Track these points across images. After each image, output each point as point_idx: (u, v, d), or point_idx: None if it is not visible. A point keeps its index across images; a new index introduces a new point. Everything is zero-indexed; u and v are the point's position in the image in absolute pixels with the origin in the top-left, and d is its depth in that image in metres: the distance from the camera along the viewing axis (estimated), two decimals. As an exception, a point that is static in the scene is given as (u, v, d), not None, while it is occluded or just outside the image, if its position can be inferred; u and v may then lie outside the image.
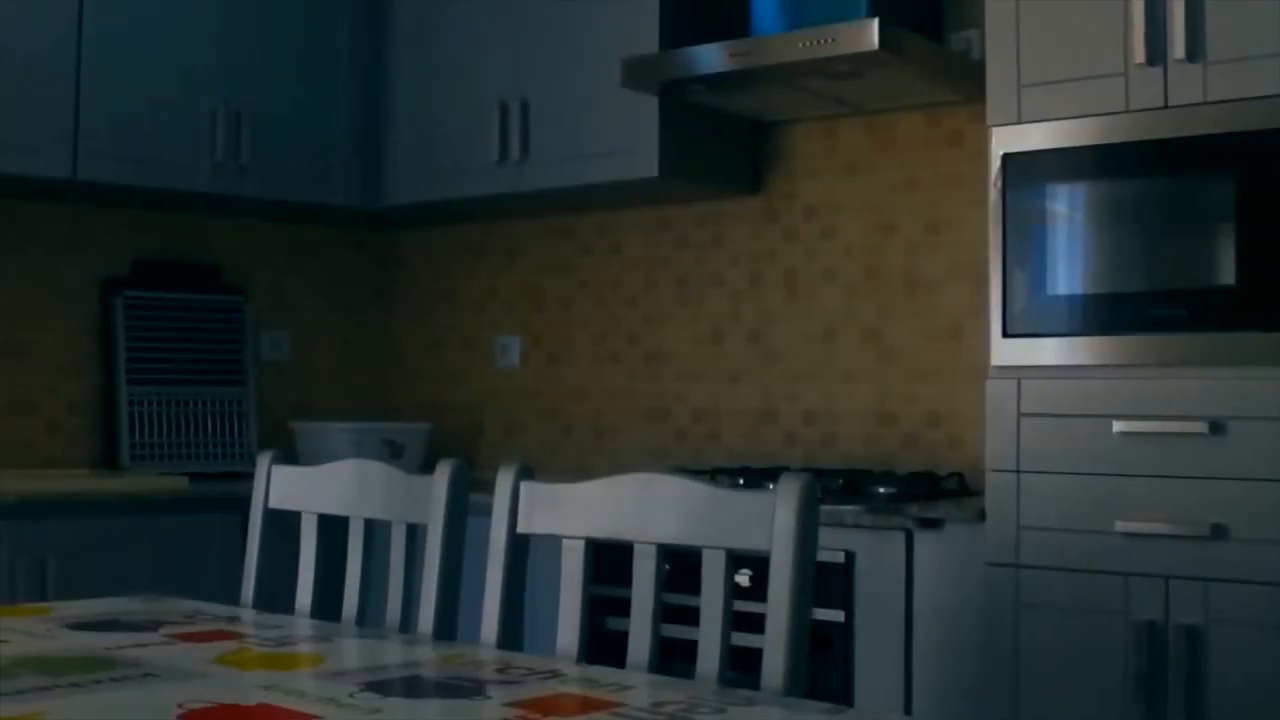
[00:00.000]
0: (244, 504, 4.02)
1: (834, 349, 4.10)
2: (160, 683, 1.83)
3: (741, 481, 3.61)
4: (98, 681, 1.82)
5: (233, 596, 3.84)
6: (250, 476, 4.46)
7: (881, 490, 3.44)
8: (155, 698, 1.75)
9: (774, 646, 1.90)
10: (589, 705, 1.75)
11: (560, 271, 4.73)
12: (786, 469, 3.98)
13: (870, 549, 3.23)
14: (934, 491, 3.55)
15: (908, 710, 3.17)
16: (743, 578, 3.23)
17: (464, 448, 4.92)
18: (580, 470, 4.52)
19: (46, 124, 4.04)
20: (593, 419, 4.64)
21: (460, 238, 5.01)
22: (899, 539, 3.21)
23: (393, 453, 4.45)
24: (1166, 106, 2.93)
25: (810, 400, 4.14)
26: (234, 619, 2.41)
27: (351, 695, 1.76)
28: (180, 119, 4.29)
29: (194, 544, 3.97)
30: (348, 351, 5.14)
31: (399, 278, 5.21)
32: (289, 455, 4.59)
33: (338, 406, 5.05)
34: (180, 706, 1.69)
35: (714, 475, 3.78)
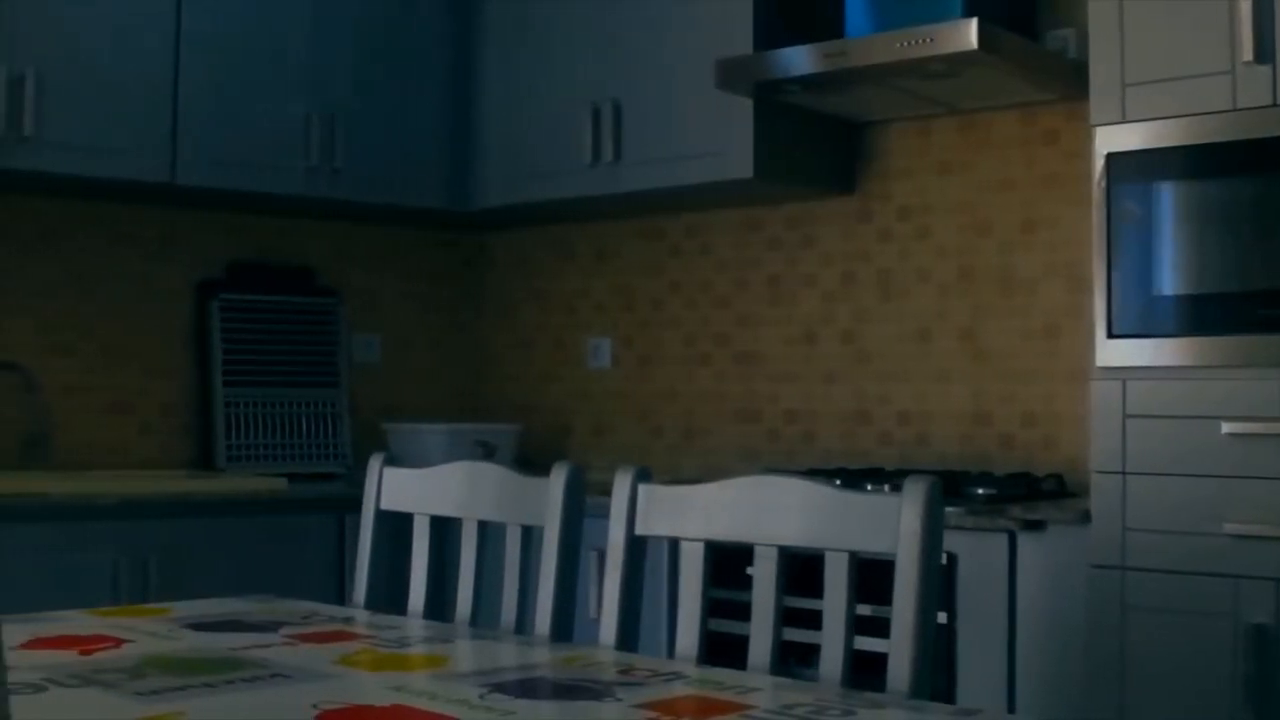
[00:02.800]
0: (340, 505, 4.10)
1: (928, 349, 4.09)
2: (291, 683, 1.84)
3: (838, 482, 3.60)
4: (230, 682, 1.85)
5: (329, 596, 3.90)
6: (344, 478, 4.54)
7: (980, 491, 3.43)
8: (290, 698, 1.76)
9: (899, 649, 1.89)
10: (718, 707, 1.75)
11: (651, 273, 4.74)
12: (881, 470, 3.98)
13: (972, 550, 3.22)
14: (1033, 493, 3.53)
15: (1011, 712, 3.15)
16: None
17: (553, 449, 4.94)
18: (670, 472, 4.53)
19: (145, 129, 4.09)
20: (683, 420, 4.64)
21: (551, 239, 5.03)
22: (1001, 541, 3.19)
23: (485, 454, 4.47)
24: (1275, 104, 2.90)
25: (904, 401, 4.13)
26: (349, 620, 2.43)
27: (482, 697, 1.77)
28: (275, 123, 4.33)
29: (291, 545, 4.01)
30: (438, 353, 5.17)
31: (489, 279, 5.23)
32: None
33: (428, 408, 5.07)
34: (316, 707, 1.70)
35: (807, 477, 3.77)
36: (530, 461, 4.66)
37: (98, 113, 4.02)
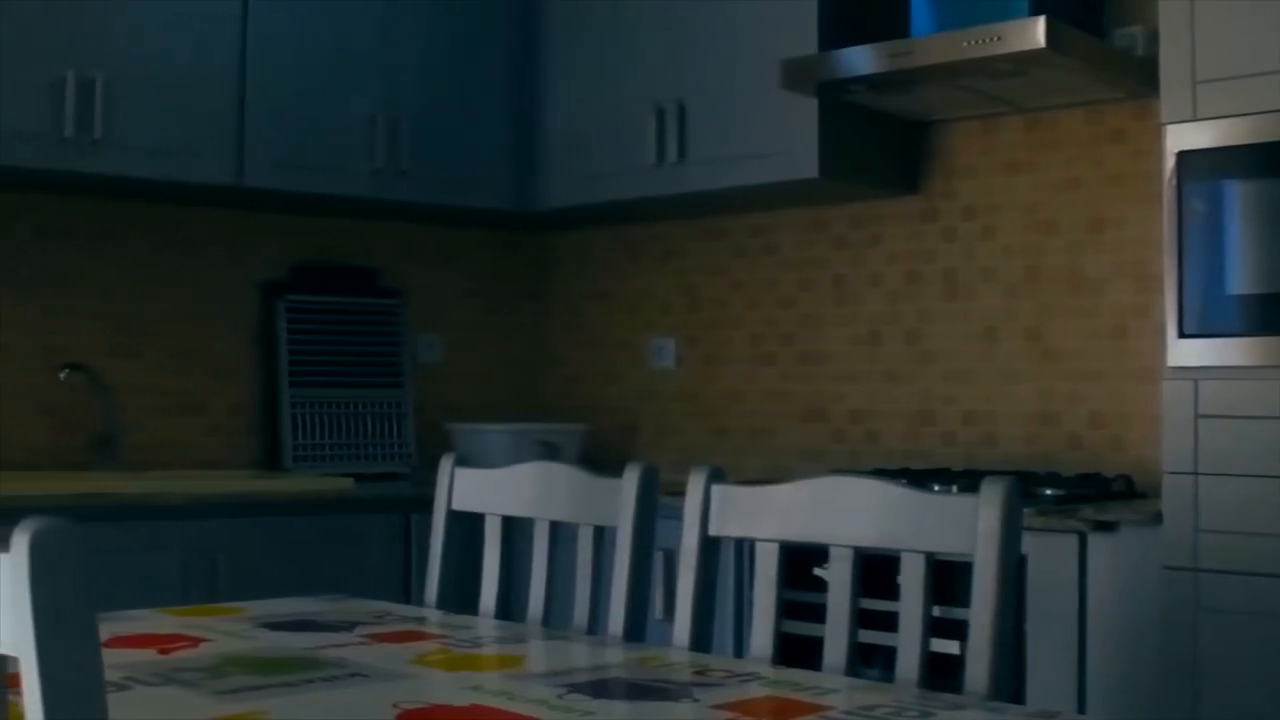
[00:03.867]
0: (405, 505, 4.12)
1: (994, 349, 4.07)
2: (370, 683, 1.85)
3: (905, 483, 3.59)
4: (309, 681, 1.86)
5: (394, 595, 3.91)
6: (408, 478, 4.56)
7: (1049, 492, 3.41)
8: (369, 697, 1.77)
9: (977, 650, 1.89)
10: (796, 708, 1.75)
11: (715, 272, 4.74)
12: (947, 470, 3.96)
13: (1043, 551, 3.20)
14: (1102, 493, 3.50)
15: (1082, 713, 3.13)
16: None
17: (617, 449, 4.94)
18: (734, 472, 4.48)
19: (212, 132, 4.13)
20: (747, 420, 4.64)
21: (614, 239, 5.04)
22: (1072, 542, 3.17)
23: (548, 454, 4.47)
24: (1350, 102, 2.88)
25: (970, 401, 4.11)
26: (422, 620, 2.44)
27: (560, 697, 1.78)
28: (341, 125, 4.35)
29: (357, 545, 4.03)
30: (501, 353, 5.19)
31: (553, 279, 5.24)
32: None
33: (491, 408, 5.09)
34: (396, 706, 1.71)
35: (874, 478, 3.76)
36: (594, 462, 4.66)
37: (166, 115, 4.05)
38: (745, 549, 3.53)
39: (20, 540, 1.07)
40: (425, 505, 4.01)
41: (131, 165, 4.01)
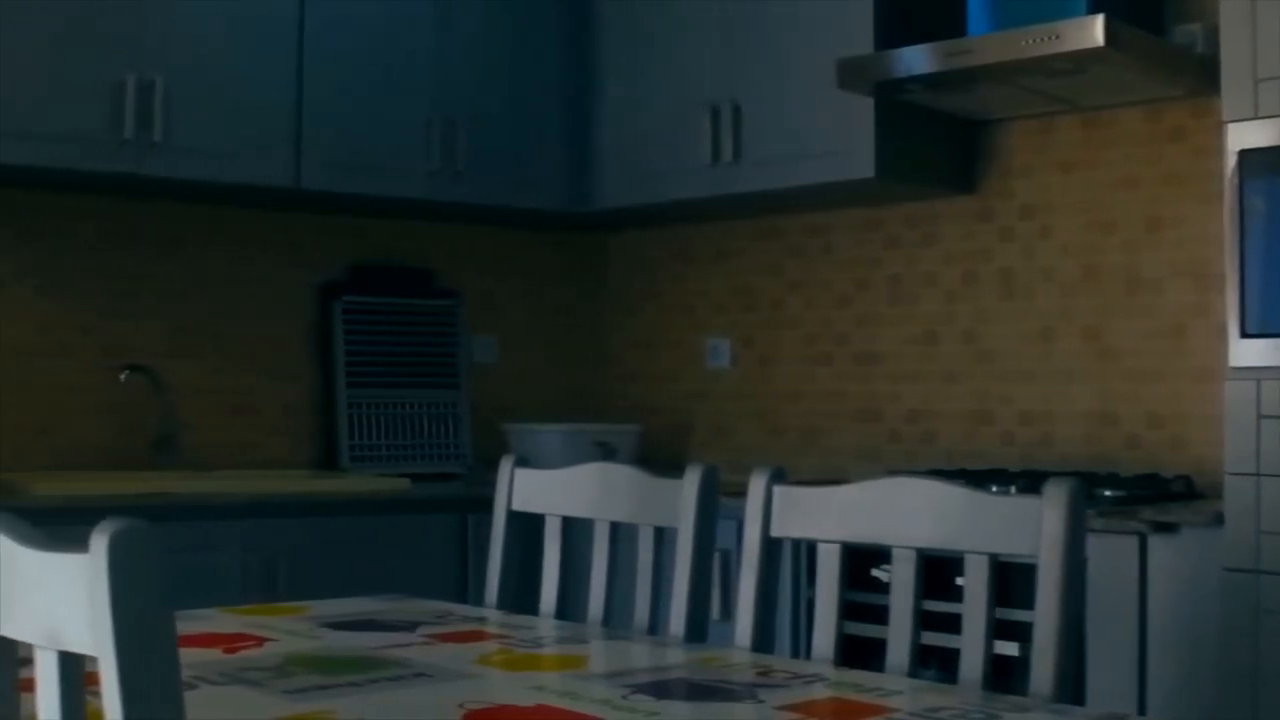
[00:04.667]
0: (461, 505, 4.13)
1: (1051, 349, 4.05)
2: (434, 683, 1.86)
3: (961, 483, 3.58)
4: (374, 681, 1.87)
5: (450, 595, 3.91)
6: (464, 478, 4.57)
7: (1108, 493, 3.39)
8: (434, 697, 1.78)
9: (1042, 652, 1.88)
10: (860, 710, 1.75)
11: (770, 272, 4.73)
12: (1004, 471, 3.94)
13: (1102, 552, 3.18)
14: (1162, 494, 3.48)
15: (1142, 716, 3.12)
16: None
17: (673, 449, 4.94)
18: (789, 472, 4.49)
19: (270, 134, 4.15)
20: (803, 420, 4.63)
21: (668, 239, 5.04)
22: (1132, 543, 3.15)
23: (604, 454, 4.48)
24: None
25: (1027, 401, 4.09)
26: (483, 620, 2.45)
27: (624, 697, 1.78)
28: (397, 127, 4.37)
29: (414, 544, 4.04)
30: (556, 353, 5.20)
31: (607, 280, 5.25)
32: (501, 457, 4.67)
33: (546, 408, 5.10)
34: (462, 706, 1.72)
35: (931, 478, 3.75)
36: (648, 462, 4.66)
37: (224, 118, 4.08)
38: (802, 549, 3.53)
39: (99, 541, 1.08)
40: (481, 505, 4.03)
41: (190, 168, 4.04)
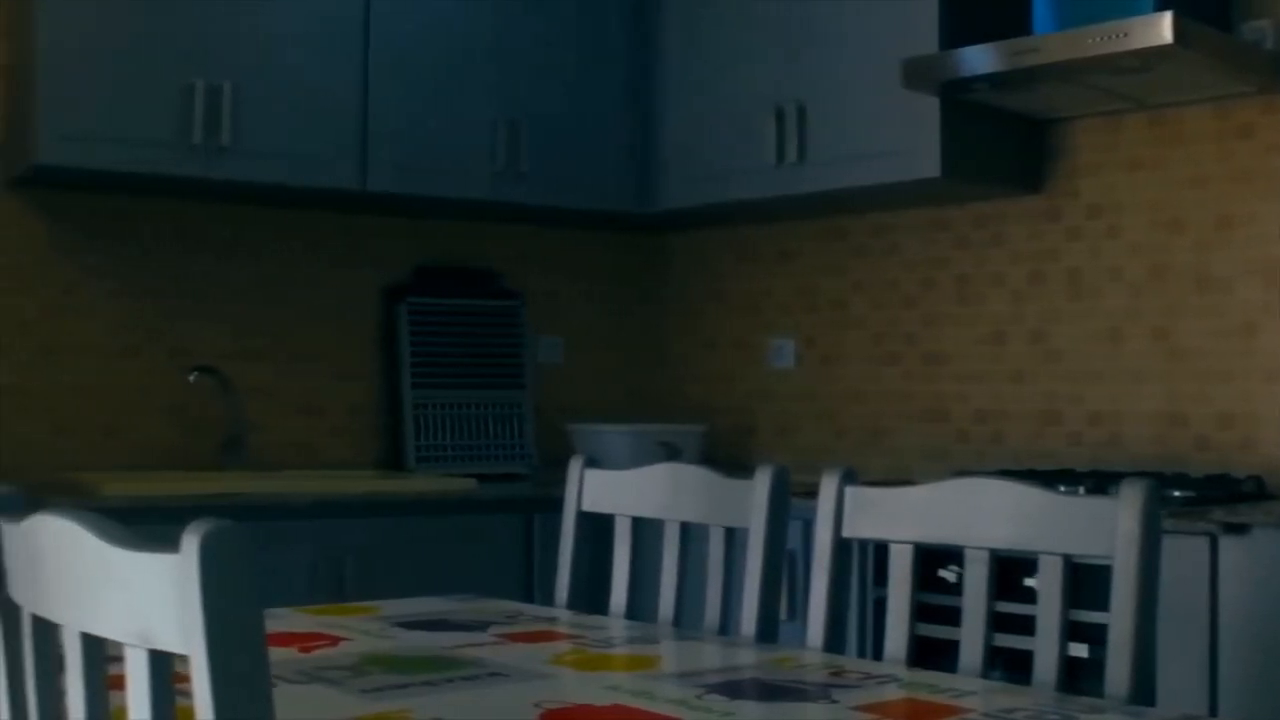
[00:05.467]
0: (527, 505, 4.15)
1: (1120, 349, 4.03)
2: (509, 682, 1.87)
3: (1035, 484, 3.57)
4: (449, 680, 1.88)
5: (516, 595, 3.94)
6: (529, 479, 4.59)
7: (1178, 494, 3.37)
8: (510, 697, 1.79)
9: (1118, 654, 1.87)
10: (934, 711, 1.75)
11: (834, 272, 4.72)
12: (1073, 471, 3.92)
13: (1173, 553, 3.15)
14: (1233, 495, 3.45)
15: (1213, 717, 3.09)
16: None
17: (737, 450, 4.94)
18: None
19: (336, 138, 4.19)
20: (868, 420, 4.62)
21: (731, 240, 5.04)
22: (1202, 544, 3.13)
23: (669, 455, 4.49)
24: None
25: (1095, 401, 4.07)
26: (554, 620, 2.46)
27: (699, 697, 1.79)
28: (462, 129, 4.39)
29: (480, 544, 4.06)
30: (620, 354, 5.21)
31: (670, 280, 5.26)
32: (566, 458, 4.68)
33: (609, 408, 5.11)
34: (538, 706, 1.73)
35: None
36: (713, 463, 4.66)
37: (291, 122, 4.11)
38: (869, 550, 3.52)
39: (190, 541, 1.09)
40: (547, 505, 4.07)
41: (258, 171, 4.08)
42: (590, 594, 2.74)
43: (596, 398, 5.11)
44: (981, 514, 2.07)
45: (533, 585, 4.09)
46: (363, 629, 2.30)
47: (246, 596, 1.10)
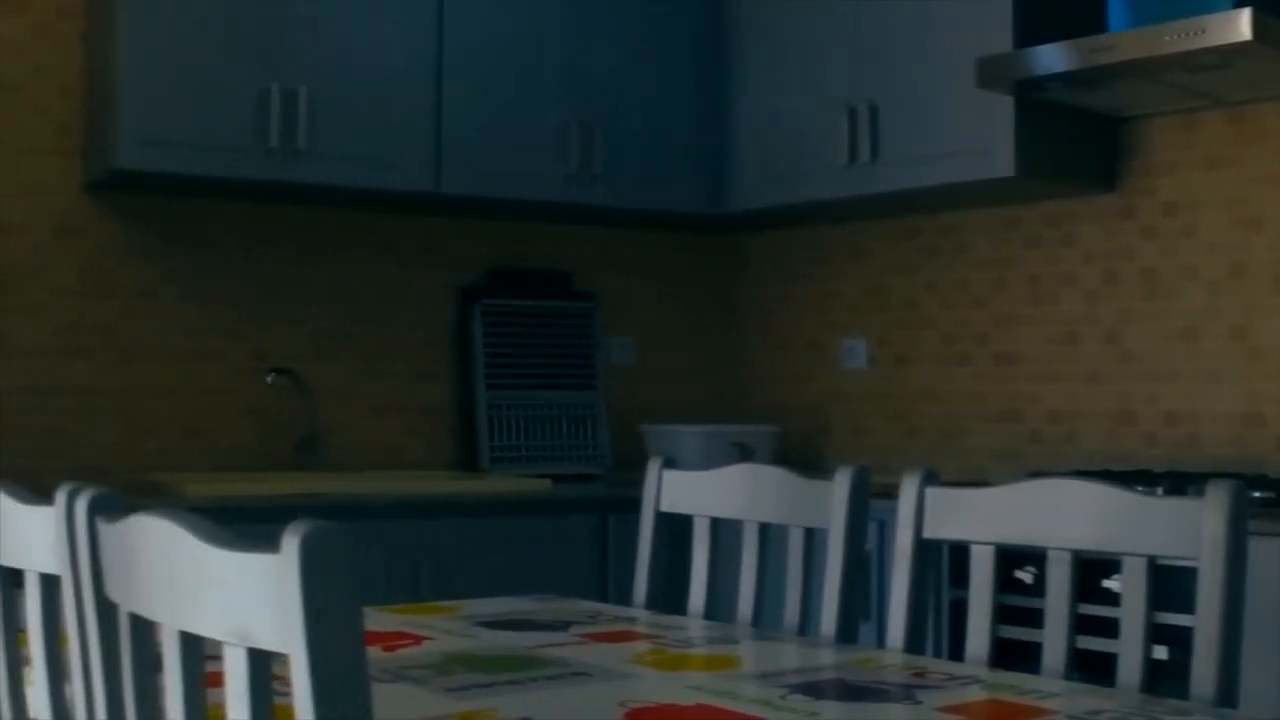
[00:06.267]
0: (602, 506, 4.16)
1: (1196, 349, 4.00)
2: (593, 682, 1.88)
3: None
4: (534, 680, 1.89)
5: (592, 595, 3.96)
6: (602, 479, 4.60)
7: (1257, 494, 3.34)
8: (595, 696, 1.80)
9: (1204, 656, 1.86)
10: (1019, 712, 1.74)
11: (906, 272, 4.71)
12: (1149, 472, 3.90)
13: (1253, 554, 3.11)
14: (1313, 495, 3.42)
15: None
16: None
17: (809, 450, 4.94)
18: (929, 472, 4.48)
19: (410, 140, 4.22)
20: (941, 421, 4.61)
21: (803, 240, 5.04)
22: (1282, 545, 3.11)
23: (742, 455, 4.49)
24: None
25: (1172, 401, 4.04)
26: (633, 620, 2.47)
27: (783, 697, 1.79)
28: (535, 131, 4.42)
29: (556, 545, 4.08)
30: (692, 354, 5.21)
31: (743, 280, 5.26)
32: (639, 458, 4.70)
33: (682, 409, 5.12)
34: (623, 705, 1.74)
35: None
36: (786, 463, 4.66)
37: (366, 125, 4.15)
38: (943, 550, 3.51)
39: (291, 541, 1.11)
40: (622, 506, 4.08)
41: (333, 174, 4.11)
42: (667, 594, 2.75)
43: (669, 398, 5.12)
44: (1064, 515, 2.06)
45: (607, 585, 4.10)
46: (445, 628, 2.32)
47: (347, 596, 1.12)
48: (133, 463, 4.19)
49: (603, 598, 4.00)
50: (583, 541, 4.13)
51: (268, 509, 3.66)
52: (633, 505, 3.92)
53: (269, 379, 4.31)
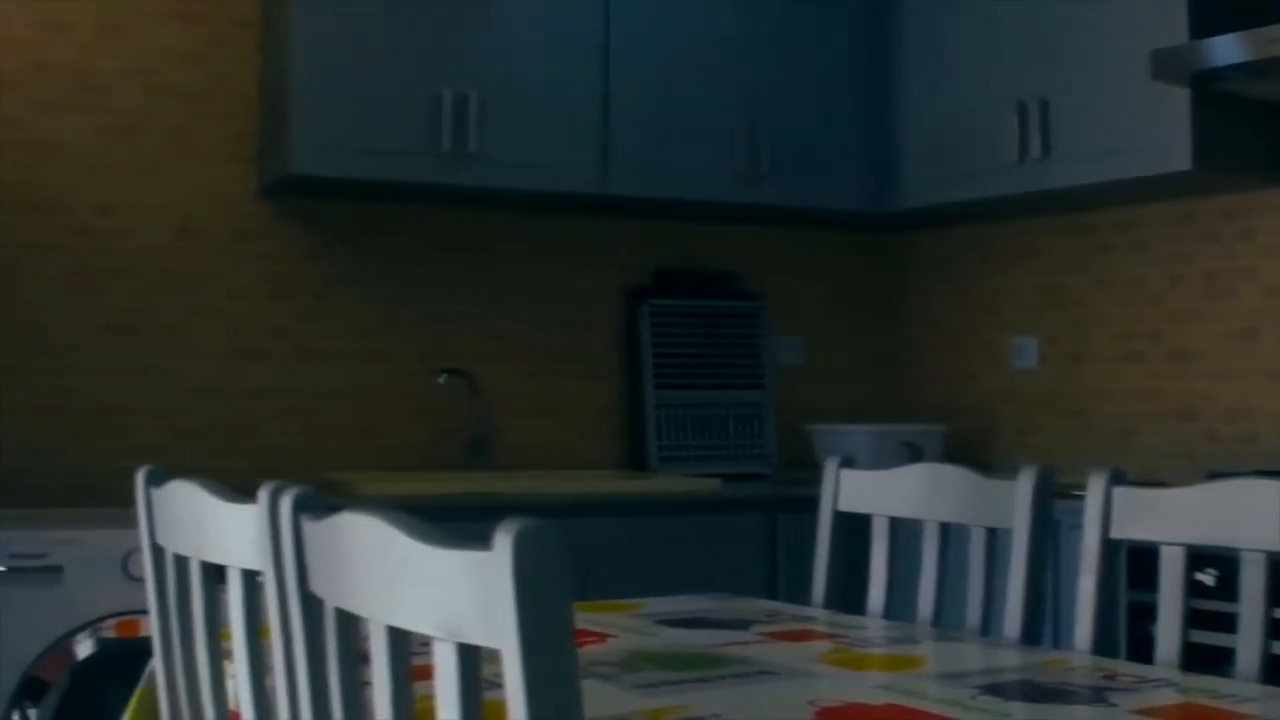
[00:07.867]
0: (770, 505, 4.16)
1: (1382, 345, 3.90)
2: (780, 680, 1.89)
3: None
4: (721, 677, 1.90)
5: (761, 594, 3.96)
6: (770, 478, 4.60)
7: None
8: (784, 695, 1.81)
9: None
10: (1216, 716, 1.72)
11: (1077, 270, 4.65)
12: (1333, 471, 3.81)
13: None
14: None
15: None
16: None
17: (979, 450, 4.89)
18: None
19: (578, 143, 4.26)
20: (1115, 420, 4.53)
21: (970, 238, 4.99)
22: None
23: (911, 455, 4.46)
24: None
25: (1356, 399, 3.95)
26: (813, 619, 2.47)
27: (973, 698, 1.78)
28: (701, 133, 4.43)
29: (724, 544, 4.09)
30: (859, 354, 5.19)
31: (909, 279, 5.22)
32: (806, 458, 4.69)
33: (849, 409, 5.10)
34: (812, 704, 1.74)
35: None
36: (956, 462, 4.62)
37: (534, 129, 4.20)
38: (1122, 551, 3.46)
39: (504, 539, 1.13)
40: (791, 505, 4.08)
41: (503, 177, 4.17)
42: (844, 593, 2.74)
43: (836, 398, 5.10)
44: (1257, 516, 2.03)
45: (776, 584, 4.10)
46: (626, 626, 2.33)
47: (559, 594, 1.14)
48: (308, 462, 4.27)
49: (772, 597, 3.99)
50: (751, 541, 4.13)
51: (441, 508, 3.71)
52: (801, 505, 3.92)
53: (441, 380, 4.37)
